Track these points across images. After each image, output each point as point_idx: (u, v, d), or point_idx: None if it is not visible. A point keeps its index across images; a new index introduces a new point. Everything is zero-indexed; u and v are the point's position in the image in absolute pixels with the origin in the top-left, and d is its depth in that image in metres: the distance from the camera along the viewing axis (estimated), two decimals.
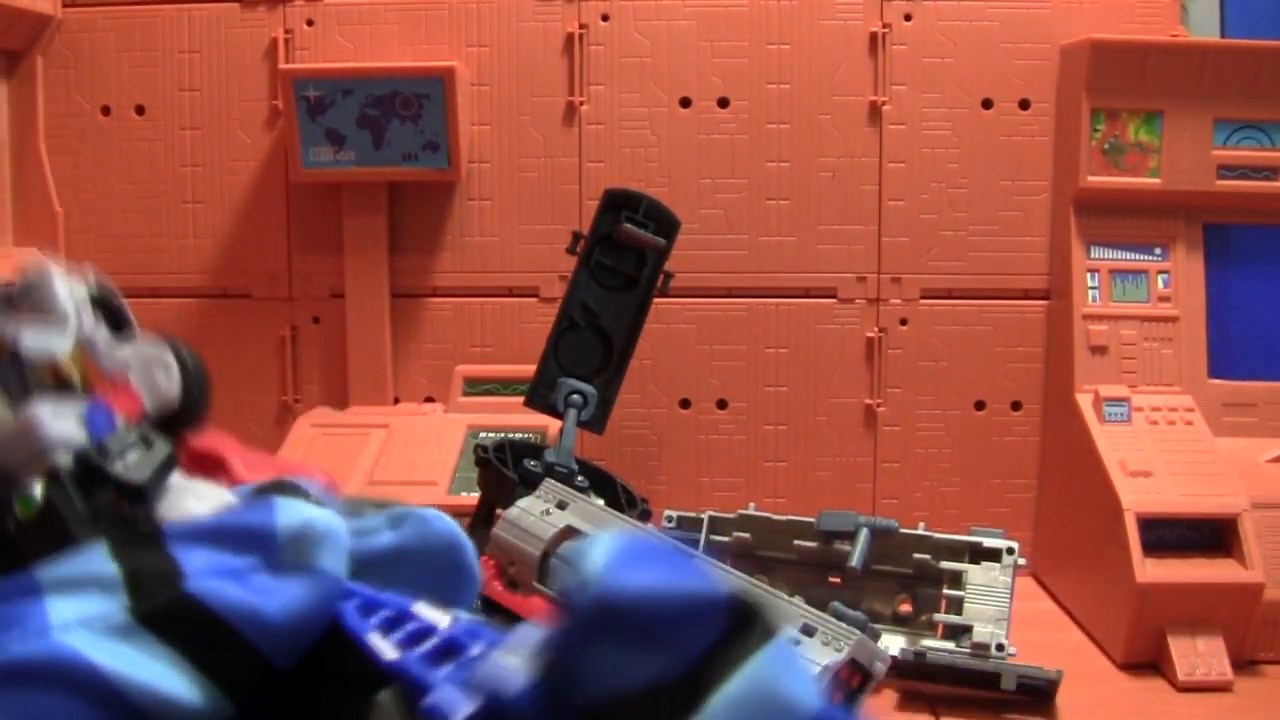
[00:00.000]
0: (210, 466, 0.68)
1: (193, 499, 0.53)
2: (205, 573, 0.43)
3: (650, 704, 0.37)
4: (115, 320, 0.66)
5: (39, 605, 0.41)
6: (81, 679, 0.40)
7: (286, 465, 0.72)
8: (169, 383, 0.68)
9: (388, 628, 0.43)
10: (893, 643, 0.94)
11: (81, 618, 0.41)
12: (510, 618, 0.81)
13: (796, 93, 1.20)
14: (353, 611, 0.44)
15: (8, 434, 0.51)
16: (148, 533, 0.46)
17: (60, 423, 0.52)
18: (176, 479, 0.55)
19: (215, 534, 0.45)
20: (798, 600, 0.73)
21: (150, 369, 0.67)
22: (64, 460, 0.50)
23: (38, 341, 0.57)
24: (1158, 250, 1.14)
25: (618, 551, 0.39)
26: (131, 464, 0.52)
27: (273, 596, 0.43)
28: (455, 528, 0.52)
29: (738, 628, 0.38)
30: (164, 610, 0.42)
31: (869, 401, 1.22)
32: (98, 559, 0.43)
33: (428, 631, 0.43)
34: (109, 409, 0.55)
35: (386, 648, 0.42)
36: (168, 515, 0.52)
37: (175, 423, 0.70)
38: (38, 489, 0.49)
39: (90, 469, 0.50)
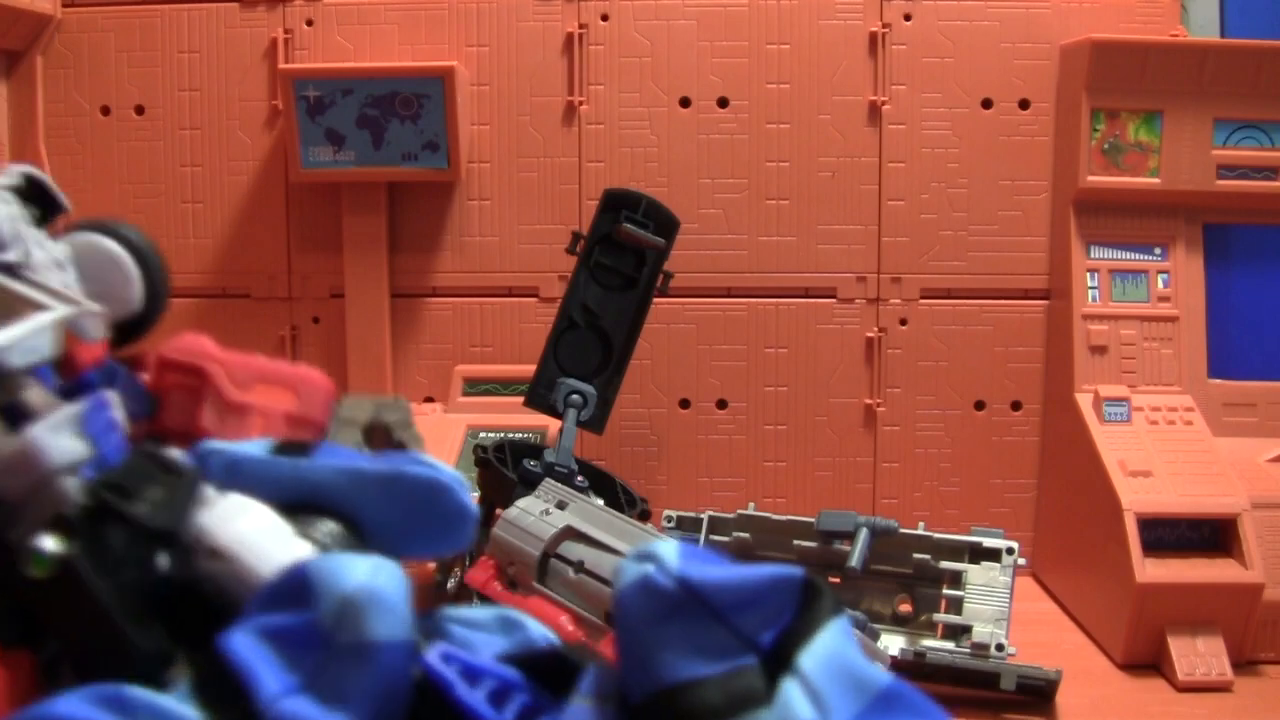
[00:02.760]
0: (191, 382, 0.63)
1: (242, 520, 0.49)
2: (277, 689, 0.42)
3: (740, 675, 0.40)
4: (44, 206, 0.57)
5: None
6: None
7: (272, 370, 0.67)
8: (126, 284, 0.60)
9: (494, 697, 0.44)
10: (892, 643, 0.94)
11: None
12: None
13: (796, 93, 1.20)
14: (457, 680, 0.43)
15: (3, 460, 0.46)
16: (212, 667, 0.42)
17: (60, 440, 0.47)
18: (209, 493, 0.50)
19: (277, 636, 0.43)
20: None
21: (103, 272, 0.59)
22: (73, 490, 0.45)
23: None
24: (1157, 250, 1.14)
25: (680, 550, 0.43)
26: (155, 501, 0.47)
27: (357, 712, 0.42)
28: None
29: (810, 602, 0.41)
30: None
31: (869, 401, 1.22)
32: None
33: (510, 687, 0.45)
34: (103, 402, 0.50)
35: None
36: (215, 538, 0.48)
37: (139, 325, 0.63)
38: (49, 542, 0.44)
39: (106, 511, 0.45)
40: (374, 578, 0.43)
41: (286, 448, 0.55)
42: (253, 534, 0.49)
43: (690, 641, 0.41)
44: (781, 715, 0.39)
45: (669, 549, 0.43)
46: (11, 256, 0.53)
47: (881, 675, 0.40)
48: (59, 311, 0.53)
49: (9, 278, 0.52)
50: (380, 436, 0.68)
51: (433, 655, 0.44)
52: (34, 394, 0.51)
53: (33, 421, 0.48)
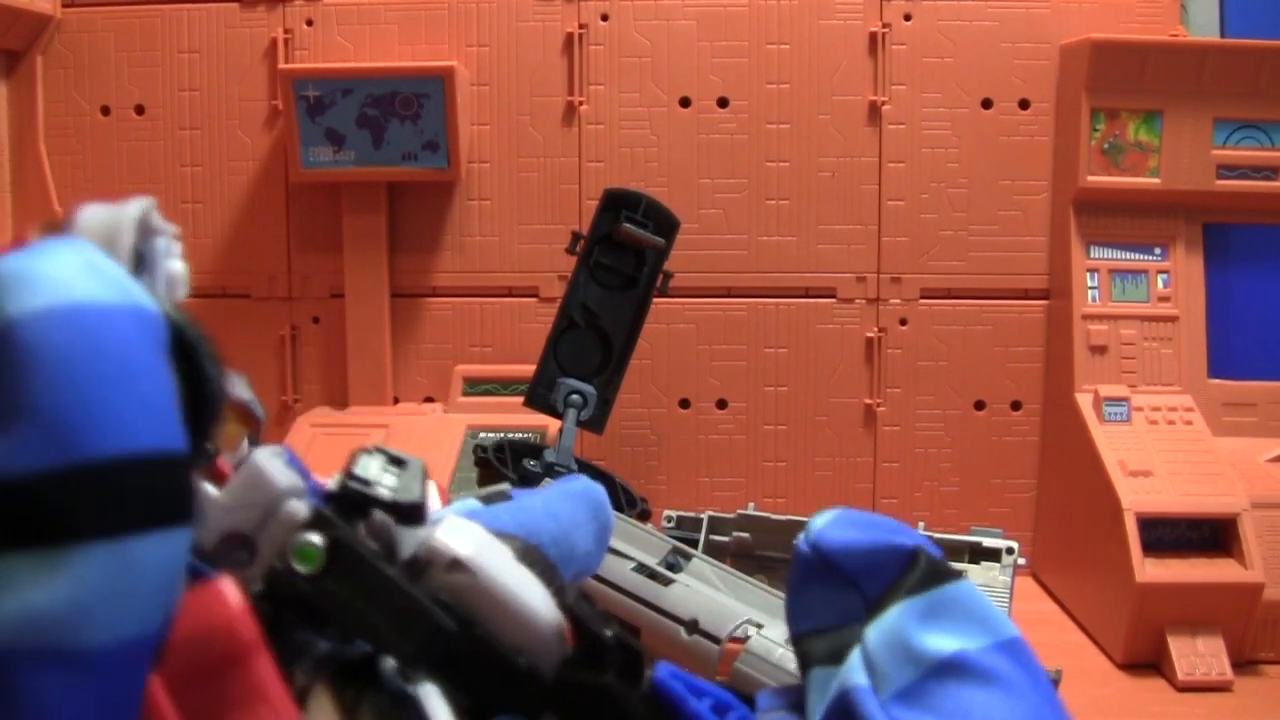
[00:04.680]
0: None
1: (474, 535, 0.48)
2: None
3: (847, 631, 0.45)
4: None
5: None
6: None
7: None
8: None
9: None
10: None
11: None
12: None
13: (796, 93, 1.20)
14: (688, 695, 0.45)
15: (241, 491, 0.46)
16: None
17: (279, 464, 0.47)
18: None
19: None
20: None
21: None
22: (303, 512, 0.45)
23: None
24: (1157, 250, 1.14)
25: (834, 516, 0.48)
26: (394, 486, 0.47)
27: None
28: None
29: (903, 573, 0.46)
30: None
31: (869, 401, 1.22)
32: None
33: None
34: (293, 452, 0.51)
35: None
36: (454, 551, 0.47)
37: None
38: (312, 535, 0.44)
39: (354, 498, 0.46)
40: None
41: (491, 498, 0.58)
42: (488, 549, 0.49)
43: (823, 601, 0.46)
44: (842, 676, 0.43)
45: (824, 516, 0.48)
46: None
47: (941, 647, 0.43)
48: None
49: None
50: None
51: (663, 671, 0.46)
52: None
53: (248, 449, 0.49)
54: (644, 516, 1.05)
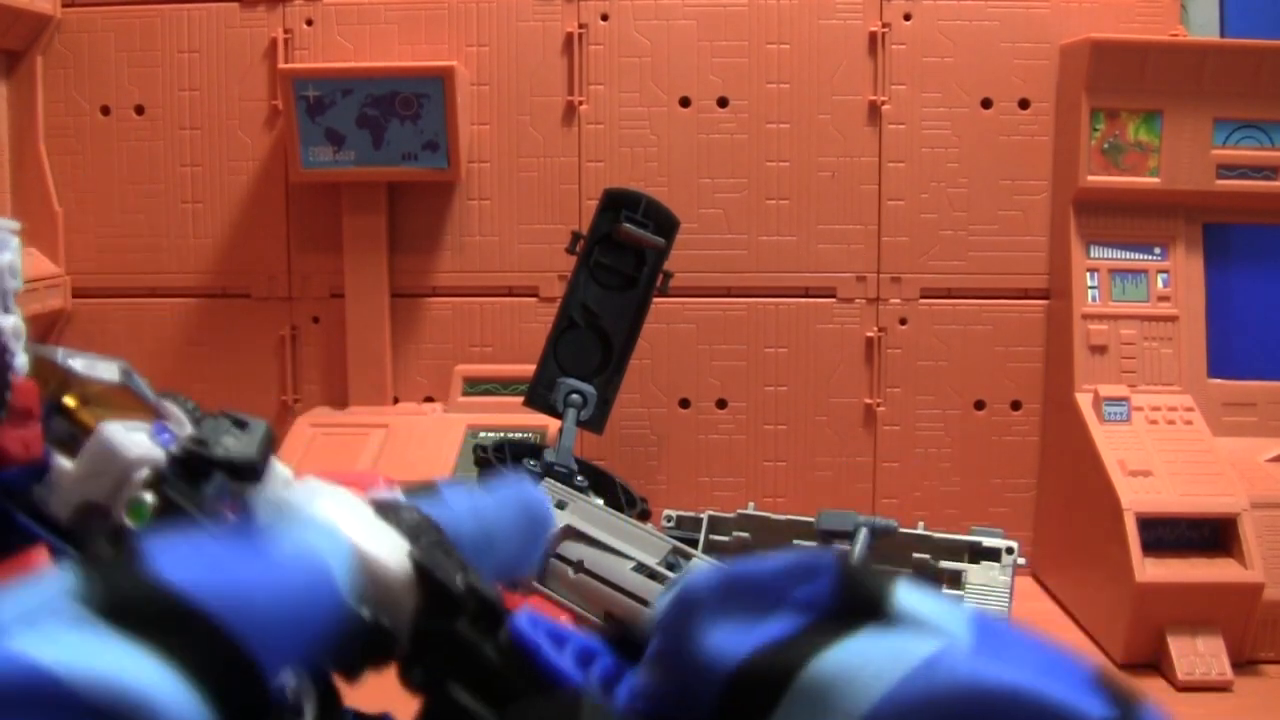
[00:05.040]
0: None
1: (327, 499, 0.47)
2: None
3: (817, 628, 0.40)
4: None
5: None
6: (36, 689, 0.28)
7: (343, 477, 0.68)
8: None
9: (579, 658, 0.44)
10: None
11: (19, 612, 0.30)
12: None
13: (796, 93, 1.20)
14: (546, 643, 0.43)
15: (90, 462, 0.48)
16: None
17: (136, 436, 0.48)
18: (279, 469, 0.51)
19: None
20: None
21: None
22: (145, 473, 0.47)
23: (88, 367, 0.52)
24: (1157, 250, 1.14)
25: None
26: (233, 446, 0.48)
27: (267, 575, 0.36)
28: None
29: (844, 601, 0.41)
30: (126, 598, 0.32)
31: (869, 401, 1.22)
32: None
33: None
34: (164, 425, 0.52)
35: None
36: (299, 514, 0.47)
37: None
38: (145, 494, 0.46)
39: (191, 459, 0.47)
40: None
41: (414, 491, 0.57)
42: (338, 511, 0.50)
43: (745, 616, 0.41)
44: (899, 645, 0.38)
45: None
46: None
47: (963, 606, 0.41)
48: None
49: None
50: None
51: (522, 619, 0.44)
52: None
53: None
54: (644, 516, 1.05)
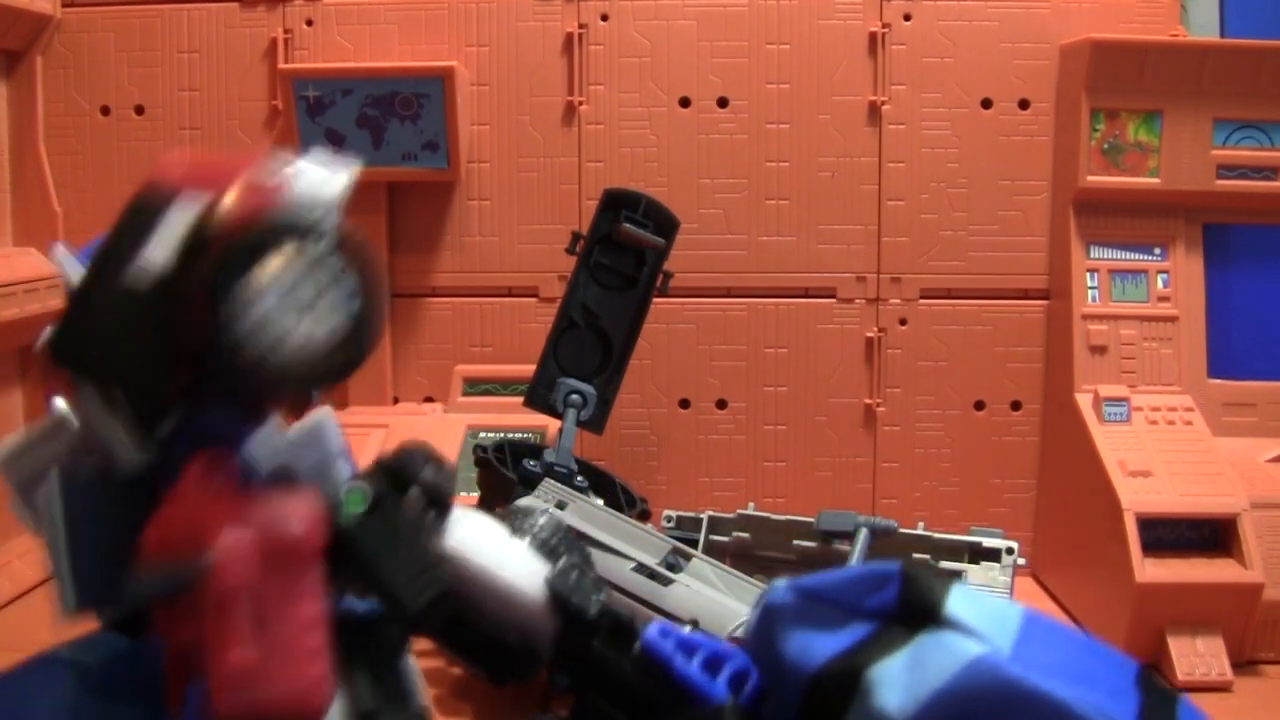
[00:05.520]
0: None
1: (464, 526, 0.57)
2: None
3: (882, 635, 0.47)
4: None
5: None
6: None
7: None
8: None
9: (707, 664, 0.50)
10: None
11: None
12: None
13: (796, 93, 1.20)
14: (676, 653, 0.49)
15: (306, 436, 0.53)
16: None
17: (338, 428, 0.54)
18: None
19: None
20: None
21: None
22: (346, 470, 0.52)
23: None
24: (1157, 250, 1.14)
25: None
26: (433, 478, 0.54)
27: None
28: None
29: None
30: None
31: (868, 401, 1.22)
32: None
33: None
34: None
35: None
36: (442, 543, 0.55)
37: None
38: (363, 484, 0.51)
39: (398, 474, 0.53)
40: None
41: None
42: (475, 538, 0.57)
43: (822, 624, 0.48)
44: (948, 649, 0.45)
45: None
46: None
47: (1018, 605, 0.47)
48: None
49: None
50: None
51: (652, 631, 0.48)
52: None
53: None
54: (644, 516, 1.05)
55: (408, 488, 0.52)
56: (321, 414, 0.54)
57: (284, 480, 0.51)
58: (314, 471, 0.52)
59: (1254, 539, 0.96)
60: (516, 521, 0.61)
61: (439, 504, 0.53)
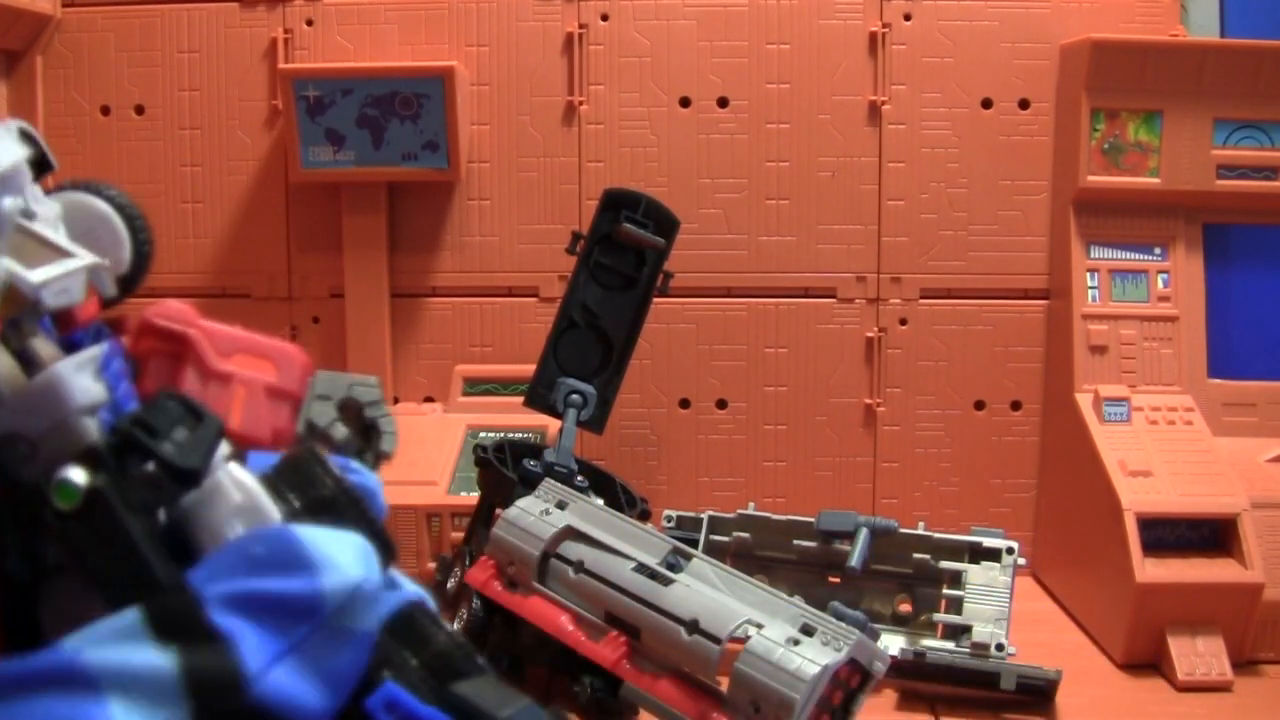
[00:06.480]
0: (173, 348, 0.63)
1: (234, 491, 0.48)
2: (261, 663, 0.42)
3: None
4: (35, 162, 0.55)
5: (103, 710, 0.39)
6: None
7: (252, 342, 0.67)
8: (116, 245, 0.59)
9: None
10: (892, 642, 0.94)
11: None
12: (508, 616, 0.81)
13: (796, 93, 1.20)
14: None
15: (31, 397, 0.46)
16: (185, 601, 0.43)
17: (83, 379, 0.46)
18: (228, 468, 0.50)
19: (259, 605, 0.43)
20: (797, 600, 0.73)
21: (93, 232, 0.59)
22: (91, 430, 0.46)
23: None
24: (1157, 250, 1.14)
25: None
26: (182, 442, 0.46)
27: (330, 694, 0.43)
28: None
29: None
30: None
31: (869, 401, 1.22)
32: (146, 650, 0.41)
33: None
34: (117, 350, 0.50)
35: None
36: (204, 514, 0.47)
37: (123, 287, 0.63)
38: (78, 474, 0.43)
39: (133, 446, 0.45)
40: (372, 568, 0.45)
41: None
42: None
43: None
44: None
45: None
46: (24, 203, 0.52)
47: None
48: (88, 259, 0.52)
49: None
50: (352, 413, 0.70)
51: (377, 700, 0.45)
52: (41, 344, 0.50)
53: (40, 368, 0.48)
54: (644, 516, 1.05)
55: (146, 457, 0.45)
56: (59, 368, 0.46)
57: (9, 443, 0.45)
58: (44, 435, 0.45)
59: (1254, 539, 0.96)
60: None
61: (181, 480, 0.46)
